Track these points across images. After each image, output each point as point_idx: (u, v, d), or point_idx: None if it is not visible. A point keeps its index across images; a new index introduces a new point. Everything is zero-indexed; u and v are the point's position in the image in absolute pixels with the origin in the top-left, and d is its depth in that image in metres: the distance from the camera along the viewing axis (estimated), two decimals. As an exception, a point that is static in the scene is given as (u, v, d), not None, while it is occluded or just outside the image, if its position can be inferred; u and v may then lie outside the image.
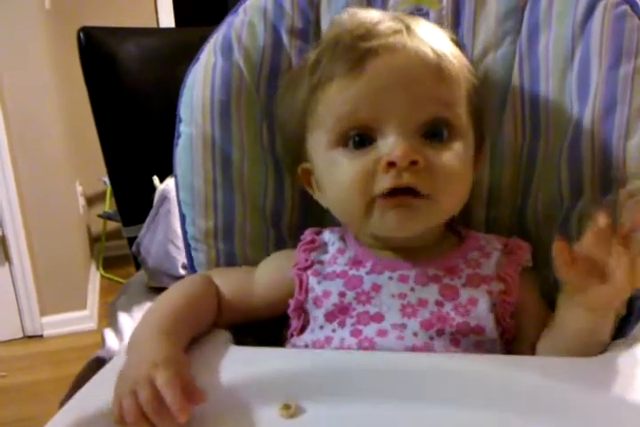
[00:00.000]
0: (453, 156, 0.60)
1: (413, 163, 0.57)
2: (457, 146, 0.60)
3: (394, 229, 0.61)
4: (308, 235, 0.69)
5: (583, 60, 0.67)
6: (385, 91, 0.59)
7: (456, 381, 0.54)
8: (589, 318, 0.56)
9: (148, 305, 1.21)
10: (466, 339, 0.60)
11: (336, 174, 0.62)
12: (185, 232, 0.75)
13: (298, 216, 0.76)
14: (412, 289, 0.62)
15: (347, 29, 0.62)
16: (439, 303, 0.61)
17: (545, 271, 0.66)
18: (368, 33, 0.60)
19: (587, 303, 0.55)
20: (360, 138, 0.60)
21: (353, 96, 0.60)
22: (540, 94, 0.70)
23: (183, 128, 0.74)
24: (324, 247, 0.67)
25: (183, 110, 0.74)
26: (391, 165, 0.57)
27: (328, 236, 0.69)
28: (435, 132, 0.60)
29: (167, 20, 3.09)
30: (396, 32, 0.60)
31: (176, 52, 1.55)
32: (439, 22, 0.72)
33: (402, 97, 0.58)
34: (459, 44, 0.67)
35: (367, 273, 0.64)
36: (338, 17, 0.67)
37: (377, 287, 0.63)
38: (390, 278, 0.63)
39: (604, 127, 0.65)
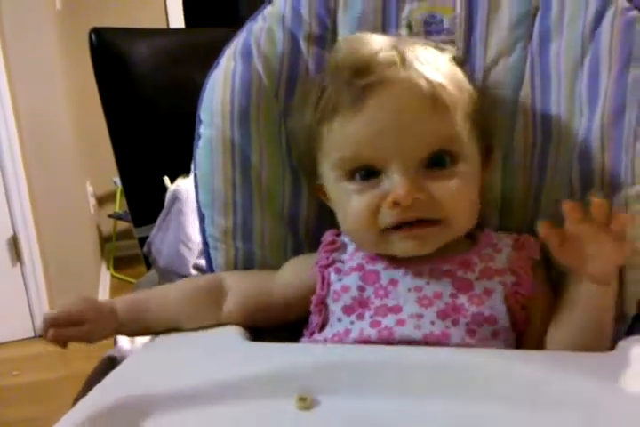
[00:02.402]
0: (457, 181, 0.62)
1: (416, 200, 0.60)
2: (460, 169, 0.63)
3: (410, 253, 0.64)
4: (328, 236, 0.71)
5: (593, 66, 0.67)
6: (383, 132, 0.61)
7: (470, 376, 0.55)
8: (593, 288, 0.59)
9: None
10: (481, 329, 0.62)
11: (346, 207, 0.65)
12: (203, 231, 0.76)
13: (315, 218, 0.77)
14: (428, 283, 0.64)
15: (346, 61, 0.64)
16: (454, 295, 0.63)
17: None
18: (365, 66, 0.62)
19: (586, 276, 0.59)
20: (366, 172, 0.63)
21: (353, 137, 0.62)
22: (551, 100, 0.70)
23: (203, 130, 0.75)
24: (343, 248, 0.70)
25: (203, 113, 0.75)
26: (396, 204, 0.60)
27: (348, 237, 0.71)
28: (436, 162, 0.62)
29: (177, 20, 3.10)
30: (392, 64, 0.61)
31: (187, 52, 1.56)
32: (452, 30, 0.73)
33: (401, 137, 0.61)
34: (460, 62, 0.69)
35: (384, 268, 0.66)
36: (339, 43, 0.71)
37: (394, 282, 0.65)
38: (406, 274, 0.65)
39: (614, 131, 0.65)
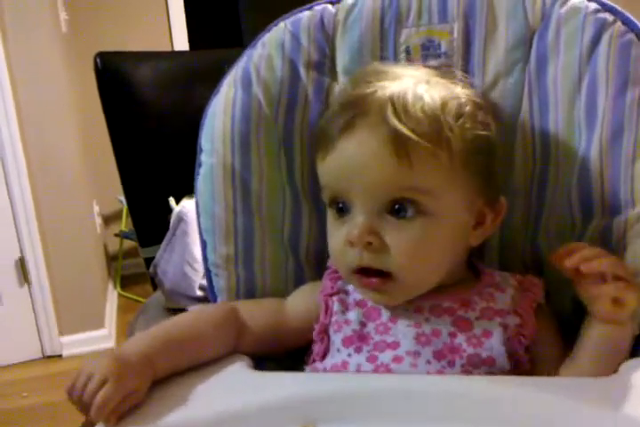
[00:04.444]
0: (415, 234, 0.61)
1: (369, 243, 0.60)
2: (423, 223, 0.61)
3: (377, 304, 0.66)
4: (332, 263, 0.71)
5: (590, 89, 0.67)
6: (347, 173, 0.62)
7: (472, 403, 0.55)
8: (604, 329, 0.60)
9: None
10: (477, 370, 0.61)
11: (329, 237, 0.67)
12: (206, 259, 0.76)
13: (315, 243, 0.78)
14: (427, 319, 0.64)
15: (339, 96, 0.67)
16: (452, 335, 0.63)
17: (559, 297, 0.68)
18: (348, 107, 0.62)
19: (598, 315, 0.60)
20: (344, 205, 0.63)
21: (328, 170, 0.64)
22: (550, 122, 0.70)
23: (204, 158, 0.76)
24: None
25: (204, 141, 0.76)
26: (350, 243, 0.61)
27: None
28: (401, 209, 0.61)
29: (181, 42, 3.13)
30: (370, 110, 0.60)
31: (191, 74, 1.57)
32: (450, 53, 0.73)
33: (362, 181, 0.61)
34: (482, 106, 0.64)
35: (385, 305, 0.66)
36: (356, 74, 0.70)
37: (394, 319, 0.65)
38: (406, 310, 0.65)
39: (612, 153, 0.66)
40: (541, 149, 0.71)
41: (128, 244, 2.97)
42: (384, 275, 0.62)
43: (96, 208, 2.86)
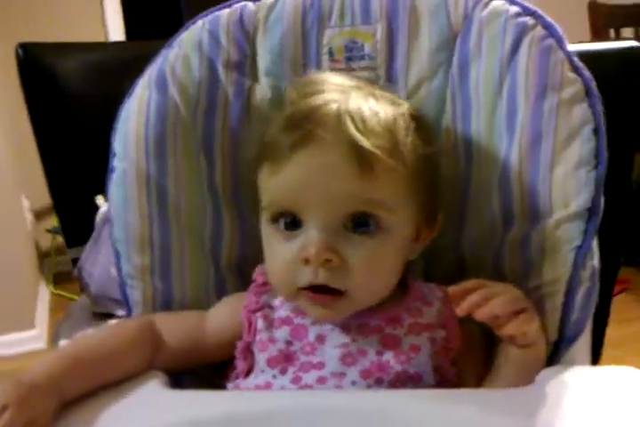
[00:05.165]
0: (374, 250, 0.60)
1: (327, 260, 0.58)
2: (381, 239, 0.60)
3: (319, 320, 0.64)
4: (259, 276, 0.69)
5: (510, 94, 0.67)
6: (305, 187, 0.59)
7: (394, 418, 0.54)
8: (516, 351, 0.60)
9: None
10: (404, 387, 0.61)
11: (269, 253, 0.64)
12: (119, 269, 0.72)
13: (237, 251, 0.75)
14: (354, 340, 0.63)
15: (287, 110, 0.62)
16: (379, 353, 0.62)
17: None
18: (301, 120, 0.59)
19: (508, 340, 0.60)
20: (292, 220, 0.61)
21: (279, 185, 0.61)
22: (472, 127, 0.70)
23: (117, 163, 0.72)
24: (274, 291, 0.67)
25: (117, 145, 0.72)
26: (307, 261, 0.59)
27: None
28: (361, 224, 0.59)
29: (117, 34, 3.03)
30: (325, 122, 0.58)
31: (120, 66, 1.51)
32: (373, 55, 0.71)
33: (320, 194, 0.58)
34: (416, 117, 0.64)
35: (312, 323, 0.64)
36: (293, 85, 0.67)
37: (321, 339, 0.63)
38: (333, 329, 0.64)
39: (531, 159, 0.65)
40: (464, 154, 0.71)
41: (61, 240, 2.88)
42: (336, 292, 0.60)
43: (25, 203, 2.76)
